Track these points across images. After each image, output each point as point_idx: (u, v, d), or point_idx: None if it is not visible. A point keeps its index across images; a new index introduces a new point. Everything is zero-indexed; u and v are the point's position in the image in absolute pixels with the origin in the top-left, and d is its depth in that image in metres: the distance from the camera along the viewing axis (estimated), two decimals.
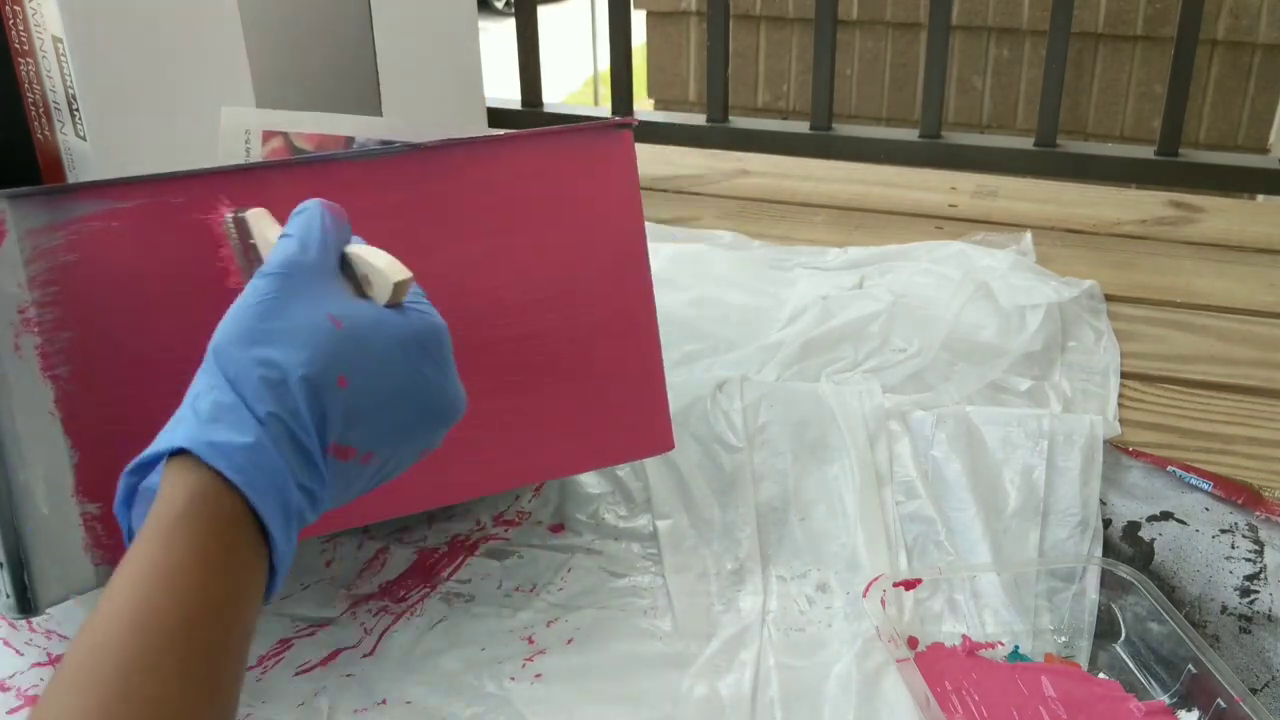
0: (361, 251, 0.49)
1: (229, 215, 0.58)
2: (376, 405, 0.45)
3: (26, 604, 0.56)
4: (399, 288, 0.47)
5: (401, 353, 0.46)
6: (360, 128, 0.72)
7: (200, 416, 0.42)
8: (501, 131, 0.68)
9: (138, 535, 0.41)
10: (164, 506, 0.41)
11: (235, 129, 0.72)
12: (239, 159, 0.71)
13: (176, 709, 0.36)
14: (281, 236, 0.48)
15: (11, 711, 0.59)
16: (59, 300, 0.58)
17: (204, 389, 0.43)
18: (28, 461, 0.56)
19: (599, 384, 0.68)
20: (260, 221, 0.55)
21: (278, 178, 0.61)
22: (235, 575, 0.41)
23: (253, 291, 0.46)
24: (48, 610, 0.58)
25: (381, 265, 0.48)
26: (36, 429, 0.57)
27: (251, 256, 0.57)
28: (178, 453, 0.42)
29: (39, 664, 0.61)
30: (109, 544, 0.59)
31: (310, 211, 0.49)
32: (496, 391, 0.65)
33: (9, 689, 0.60)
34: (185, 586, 0.39)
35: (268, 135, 0.72)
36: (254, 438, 0.42)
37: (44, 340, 0.57)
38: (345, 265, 0.49)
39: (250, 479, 0.41)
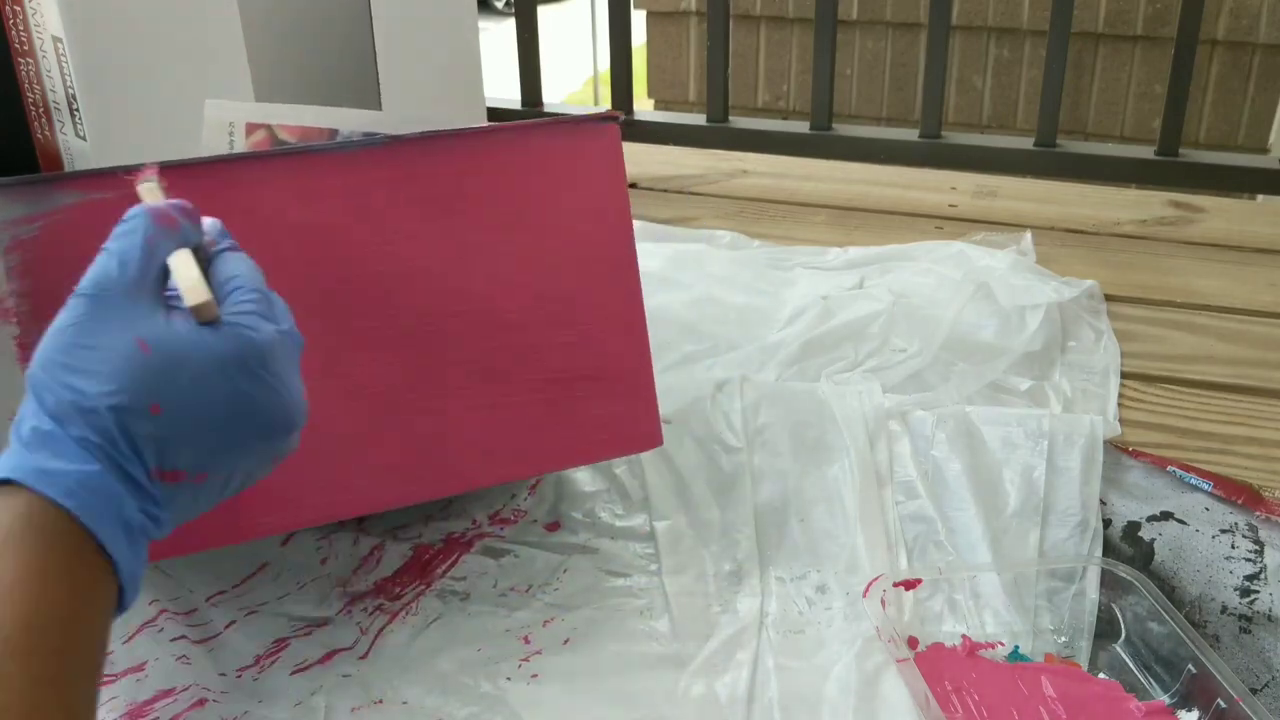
0: (177, 266, 0.47)
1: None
2: (196, 429, 0.44)
3: None
4: (199, 310, 0.46)
5: (219, 373, 0.45)
6: (344, 120, 0.72)
7: (23, 443, 0.42)
8: (486, 124, 0.68)
9: None
10: None
11: (219, 121, 0.71)
12: (223, 151, 0.71)
13: (20, 711, 0.36)
14: (101, 251, 0.46)
15: None
16: (36, 291, 0.57)
17: (24, 416, 0.43)
18: None
19: (586, 378, 0.67)
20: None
21: (258, 169, 0.61)
22: (76, 586, 0.40)
23: (64, 314, 0.44)
24: None
25: (183, 287, 0.46)
26: None
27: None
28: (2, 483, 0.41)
29: None
30: None
31: (133, 223, 0.47)
32: (480, 383, 0.65)
33: None
34: (22, 598, 0.38)
35: (251, 128, 0.71)
36: (79, 464, 0.41)
37: (22, 331, 0.57)
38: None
39: (82, 502, 0.41)
